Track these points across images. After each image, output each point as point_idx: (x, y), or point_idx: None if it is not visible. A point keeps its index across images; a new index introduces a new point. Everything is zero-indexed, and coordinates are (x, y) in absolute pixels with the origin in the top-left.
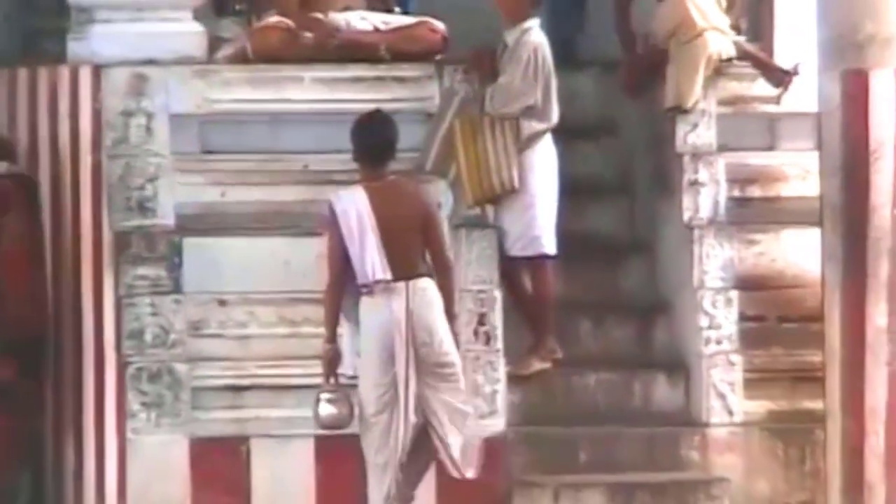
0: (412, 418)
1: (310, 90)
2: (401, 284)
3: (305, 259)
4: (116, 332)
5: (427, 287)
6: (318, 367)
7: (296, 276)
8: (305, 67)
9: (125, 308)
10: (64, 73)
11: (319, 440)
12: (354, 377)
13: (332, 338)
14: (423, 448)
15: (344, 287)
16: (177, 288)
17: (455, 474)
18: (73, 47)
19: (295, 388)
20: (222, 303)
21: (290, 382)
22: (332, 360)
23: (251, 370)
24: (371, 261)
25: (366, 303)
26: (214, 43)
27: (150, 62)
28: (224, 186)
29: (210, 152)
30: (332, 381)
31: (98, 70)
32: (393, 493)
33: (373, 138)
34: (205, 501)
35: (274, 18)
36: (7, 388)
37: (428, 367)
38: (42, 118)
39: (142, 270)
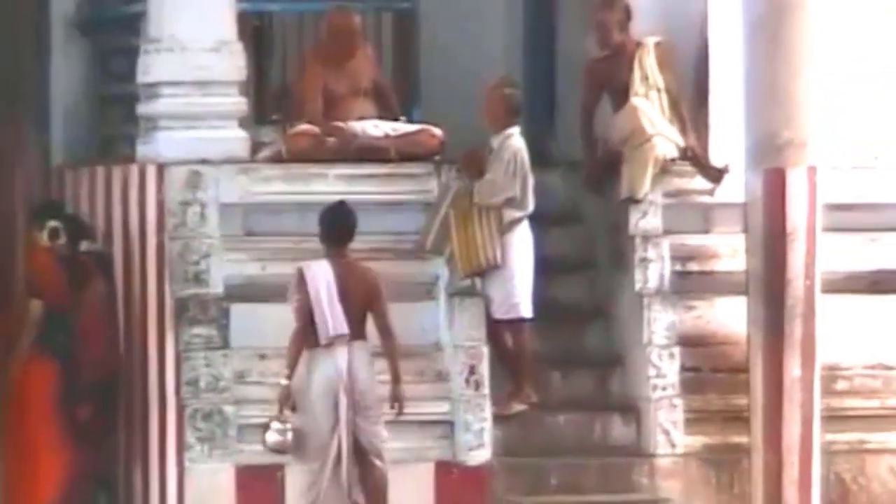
0: (345, 456)
1: (333, 184)
2: (345, 345)
3: None
4: (176, 380)
5: (364, 346)
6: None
7: None
8: (329, 166)
9: (183, 361)
10: (134, 170)
11: None
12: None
13: (291, 376)
14: (368, 476)
15: (307, 337)
16: (225, 344)
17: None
18: (141, 150)
19: None
20: (262, 356)
21: None
22: (286, 397)
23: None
24: (333, 319)
25: (317, 354)
26: (256, 146)
27: (204, 162)
28: (264, 262)
29: (252, 234)
30: (284, 413)
31: (161, 168)
32: None
33: (338, 224)
34: None
35: (303, 126)
36: (86, 425)
37: (360, 411)
38: (116, 207)
39: (197, 330)
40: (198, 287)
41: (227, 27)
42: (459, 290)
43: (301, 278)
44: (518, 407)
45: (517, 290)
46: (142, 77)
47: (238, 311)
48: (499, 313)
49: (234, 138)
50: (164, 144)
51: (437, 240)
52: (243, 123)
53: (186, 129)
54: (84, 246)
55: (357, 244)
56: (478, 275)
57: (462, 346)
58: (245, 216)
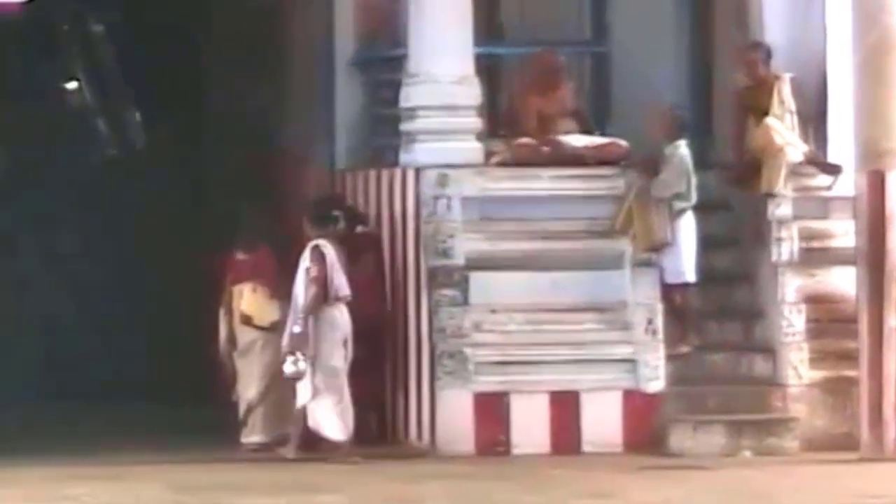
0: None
1: (546, 182)
2: (343, 303)
3: (542, 285)
4: (429, 328)
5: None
6: (547, 350)
7: (536, 294)
8: (544, 169)
9: (434, 314)
10: (397, 173)
11: (552, 394)
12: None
13: (305, 327)
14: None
15: (320, 298)
16: (465, 302)
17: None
18: (403, 157)
19: (537, 364)
20: (493, 311)
21: (534, 359)
22: (304, 341)
23: (510, 352)
24: (341, 284)
25: (330, 310)
26: (488, 154)
27: (450, 166)
28: (494, 241)
29: (486, 220)
30: (297, 353)
31: (418, 171)
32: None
33: (329, 213)
34: (482, 432)
35: (524, 139)
36: (363, 360)
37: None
38: (384, 200)
39: (445, 291)
40: (445, 259)
41: (467, 65)
42: (640, 262)
43: (321, 253)
44: (684, 349)
45: (684, 261)
46: (403, 102)
47: (475, 277)
48: (670, 279)
49: (473, 148)
50: (421, 153)
51: (623, 224)
52: (479, 137)
53: (437, 142)
54: (359, 229)
55: (563, 226)
56: (654, 250)
57: (642, 303)
58: (480, 206)
